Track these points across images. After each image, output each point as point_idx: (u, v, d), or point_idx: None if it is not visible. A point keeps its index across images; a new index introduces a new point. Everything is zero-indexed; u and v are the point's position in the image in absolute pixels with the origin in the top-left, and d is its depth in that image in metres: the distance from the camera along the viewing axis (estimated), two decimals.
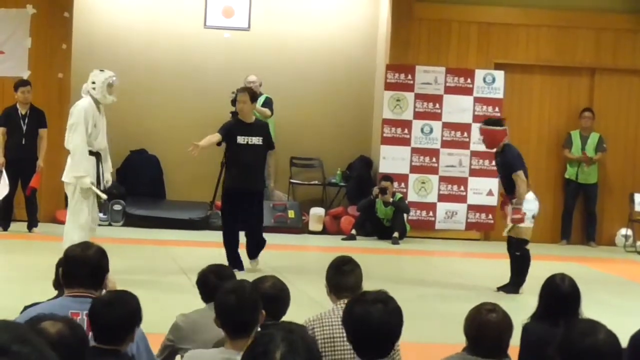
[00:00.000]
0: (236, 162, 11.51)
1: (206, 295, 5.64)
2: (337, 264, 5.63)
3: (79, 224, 10.24)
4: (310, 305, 8.47)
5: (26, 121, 14.07)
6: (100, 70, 10.64)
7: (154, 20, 16.28)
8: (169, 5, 16.34)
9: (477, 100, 15.76)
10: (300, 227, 15.67)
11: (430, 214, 15.81)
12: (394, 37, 15.88)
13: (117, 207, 15.23)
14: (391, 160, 15.68)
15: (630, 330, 4.67)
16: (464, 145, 15.77)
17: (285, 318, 5.26)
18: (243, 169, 11.41)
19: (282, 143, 16.14)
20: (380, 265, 12.40)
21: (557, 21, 16.01)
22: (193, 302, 5.80)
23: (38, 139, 14.11)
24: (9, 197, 13.86)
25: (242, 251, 11.70)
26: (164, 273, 11.29)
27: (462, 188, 15.79)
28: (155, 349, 5.27)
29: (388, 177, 15.42)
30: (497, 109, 15.46)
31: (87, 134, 10.32)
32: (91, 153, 10.41)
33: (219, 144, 11.59)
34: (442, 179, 15.79)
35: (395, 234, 15.08)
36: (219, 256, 11.16)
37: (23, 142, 14.03)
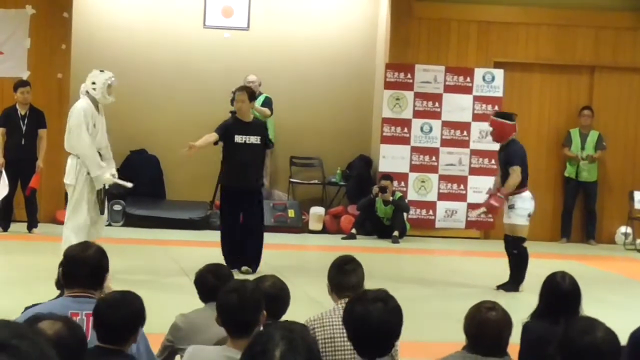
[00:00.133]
0: (233, 160, 11.47)
1: (204, 295, 5.65)
2: (339, 263, 5.63)
3: (77, 224, 10.25)
4: (311, 305, 8.48)
5: (26, 122, 14.07)
6: (100, 71, 10.64)
7: (153, 20, 16.28)
8: (168, 5, 16.34)
9: (477, 98, 15.77)
10: (300, 227, 15.68)
11: (430, 212, 15.82)
12: (394, 36, 15.88)
13: (117, 207, 15.24)
14: (391, 159, 15.69)
15: (630, 327, 4.68)
16: (464, 143, 15.77)
17: (285, 317, 5.27)
18: (240, 167, 11.37)
19: (281, 142, 16.16)
20: (380, 264, 12.40)
21: (556, 19, 16.01)
22: (193, 302, 5.80)
23: (37, 139, 14.11)
24: (9, 198, 13.86)
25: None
26: (164, 273, 11.29)
27: (461, 187, 15.79)
28: (155, 349, 5.28)
29: (388, 176, 15.43)
30: (496, 108, 15.44)
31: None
32: None
33: (216, 143, 11.55)
34: (442, 178, 15.80)
35: (395, 233, 15.09)
36: (219, 256, 11.17)
37: (22, 143, 14.03)
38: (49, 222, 14.70)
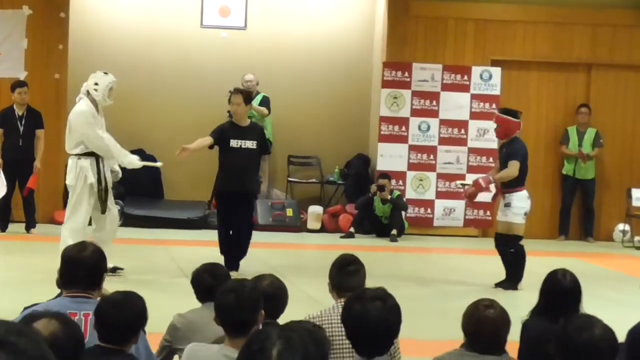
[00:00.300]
0: (229, 165, 11.27)
1: (201, 295, 5.64)
2: (341, 263, 5.61)
3: (75, 226, 10.27)
4: (309, 304, 8.48)
5: (23, 122, 14.06)
6: (104, 73, 10.66)
7: (150, 20, 16.28)
8: (165, 5, 16.34)
9: (474, 97, 15.77)
10: (298, 226, 15.68)
11: (428, 211, 15.82)
12: (391, 34, 15.88)
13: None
14: (389, 157, 15.69)
15: (628, 324, 4.68)
16: (462, 142, 15.77)
17: (283, 316, 5.26)
18: (235, 172, 11.17)
19: (279, 141, 16.16)
20: (379, 262, 12.40)
21: (553, 17, 16.02)
22: (191, 301, 5.80)
23: (35, 139, 14.11)
24: (7, 198, 13.84)
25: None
26: (162, 273, 11.29)
27: (453, 185, 15.78)
28: (153, 348, 5.28)
29: (386, 175, 15.43)
30: (494, 106, 15.46)
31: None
32: (91, 154, 10.44)
33: (211, 147, 11.36)
34: (440, 176, 15.80)
35: (394, 232, 15.09)
36: (218, 255, 11.16)
37: (20, 143, 14.02)
38: (47, 223, 14.69)
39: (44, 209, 14.86)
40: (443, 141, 15.78)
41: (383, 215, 15.37)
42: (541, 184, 15.77)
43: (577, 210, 16.21)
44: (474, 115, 15.75)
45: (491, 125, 13.43)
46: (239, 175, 11.17)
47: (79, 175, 10.37)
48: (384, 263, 12.68)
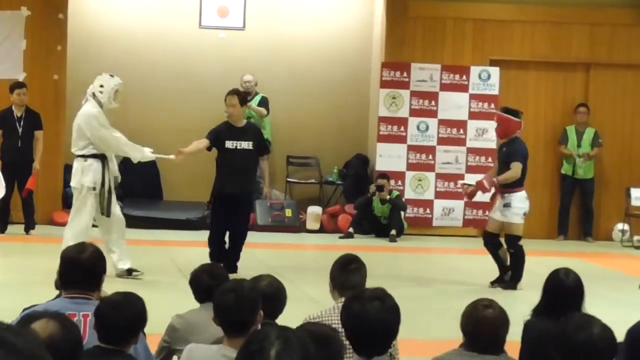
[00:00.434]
0: (225, 167, 11.16)
1: (200, 295, 5.64)
2: (342, 262, 5.63)
3: (77, 229, 10.29)
4: (309, 304, 8.48)
5: (22, 123, 14.06)
6: (111, 76, 10.66)
7: (148, 20, 16.28)
8: (163, 6, 16.34)
9: (473, 97, 15.77)
10: (297, 226, 15.68)
11: (427, 211, 15.82)
12: (389, 35, 15.88)
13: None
14: (387, 157, 15.69)
15: (627, 324, 4.68)
16: (460, 142, 15.78)
17: (283, 317, 5.27)
18: (232, 174, 11.04)
19: (278, 142, 16.16)
20: (378, 262, 12.39)
21: (551, 17, 16.02)
22: (191, 302, 5.80)
23: (34, 141, 14.11)
24: (6, 200, 13.83)
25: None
26: (162, 273, 11.29)
27: (458, 185, 15.78)
28: (152, 349, 5.28)
29: (385, 175, 15.43)
30: (492, 106, 15.47)
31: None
32: (97, 156, 10.45)
33: (209, 149, 11.26)
34: (439, 176, 15.80)
35: (393, 232, 15.09)
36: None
37: (19, 145, 14.02)
38: (46, 224, 14.69)
39: (43, 210, 14.85)
40: (442, 141, 15.78)
41: (382, 216, 15.38)
42: (540, 183, 15.78)
43: (576, 210, 16.21)
44: (473, 115, 15.75)
45: (490, 125, 13.50)
46: (235, 177, 11.05)
47: (82, 180, 10.39)
48: (383, 263, 12.68)
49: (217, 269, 5.88)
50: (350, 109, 16.62)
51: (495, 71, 15.82)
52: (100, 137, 10.37)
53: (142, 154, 10.79)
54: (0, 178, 13.51)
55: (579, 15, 16.02)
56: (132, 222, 15.16)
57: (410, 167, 15.78)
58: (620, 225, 15.97)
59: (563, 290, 5.58)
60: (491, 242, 11.22)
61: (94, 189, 10.37)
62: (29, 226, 14.17)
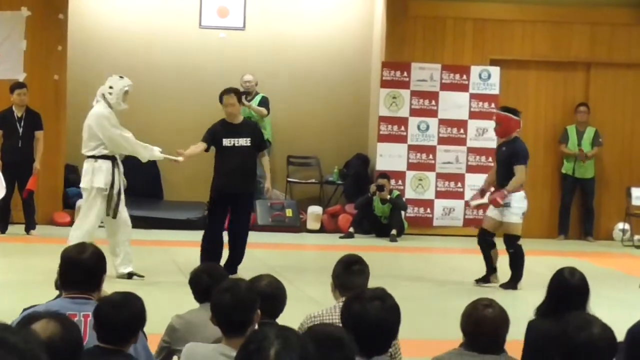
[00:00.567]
0: (223, 165, 11.06)
1: (199, 295, 5.64)
2: (347, 262, 5.61)
3: (84, 231, 10.29)
4: (309, 304, 8.48)
5: (22, 123, 14.06)
6: (120, 77, 10.66)
7: (149, 21, 16.28)
8: (164, 6, 16.34)
9: (473, 96, 15.78)
10: (297, 226, 15.67)
11: (428, 210, 15.82)
12: (389, 34, 15.88)
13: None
14: (388, 157, 15.70)
15: (628, 323, 4.68)
16: (461, 141, 15.78)
17: (283, 317, 5.27)
18: (230, 171, 10.95)
19: (278, 142, 16.16)
20: (378, 262, 12.36)
21: (551, 16, 16.02)
22: (191, 302, 5.80)
23: (34, 141, 14.11)
24: (6, 200, 13.83)
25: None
26: (162, 273, 11.29)
27: (459, 184, 15.80)
28: (152, 349, 5.28)
29: (385, 175, 15.44)
30: (493, 105, 15.47)
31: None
32: (108, 157, 10.46)
33: (207, 150, 11.17)
34: (439, 176, 15.80)
35: (393, 231, 15.09)
36: None
37: (19, 145, 14.02)
38: (47, 224, 14.70)
39: (44, 210, 14.85)
40: (442, 141, 15.78)
41: (382, 215, 15.38)
42: (540, 183, 15.78)
43: (577, 210, 16.21)
44: (473, 115, 15.75)
45: (490, 124, 13.47)
46: (234, 175, 10.95)
47: (91, 181, 10.40)
48: (383, 263, 12.67)
49: (217, 269, 5.89)
50: (350, 108, 16.62)
51: (495, 71, 15.82)
52: (111, 137, 10.39)
53: (152, 153, 10.85)
54: (0, 178, 13.53)
55: (579, 15, 16.02)
56: (133, 222, 15.08)
57: (411, 166, 15.78)
58: (620, 225, 15.97)
59: (568, 290, 5.53)
60: (485, 241, 11.21)
61: (105, 190, 10.38)
62: (29, 226, 14.17)
